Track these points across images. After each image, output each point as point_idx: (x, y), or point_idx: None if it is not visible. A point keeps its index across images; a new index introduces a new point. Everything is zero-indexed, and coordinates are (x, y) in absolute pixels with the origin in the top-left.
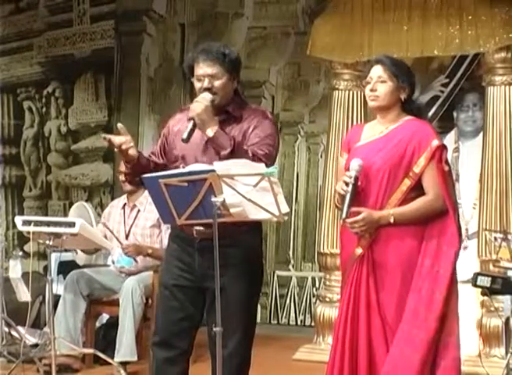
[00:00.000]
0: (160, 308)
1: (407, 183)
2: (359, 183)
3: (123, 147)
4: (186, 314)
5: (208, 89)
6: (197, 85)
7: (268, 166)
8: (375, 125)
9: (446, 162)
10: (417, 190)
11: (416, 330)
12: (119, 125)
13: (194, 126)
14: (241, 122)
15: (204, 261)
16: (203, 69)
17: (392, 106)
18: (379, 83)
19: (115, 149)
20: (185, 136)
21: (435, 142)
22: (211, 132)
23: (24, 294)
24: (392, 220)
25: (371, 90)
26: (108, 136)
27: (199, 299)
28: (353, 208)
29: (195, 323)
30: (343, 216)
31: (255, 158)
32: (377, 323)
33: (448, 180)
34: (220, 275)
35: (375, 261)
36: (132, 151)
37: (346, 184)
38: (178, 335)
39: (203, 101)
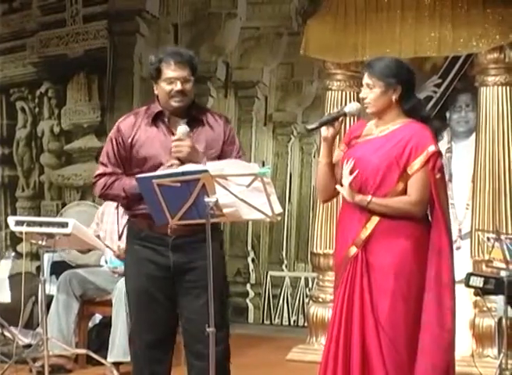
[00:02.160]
0: (139, 314)
1: (402, 184)
2: (340, 120)
3: None
4: (167, 314)
5: (180, 91)
6: (167, 88)
7: None
8: (376, 124)
9: (439, 169)
10: None
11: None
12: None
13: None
14: (205, 125)
15: (178, 257)
16: (176, 71)
17: (386, 109)
18: (368, 90)
19: None
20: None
21: (432, 148)
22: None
23: (6, 296)
24: (368, 198)
25: (362, 98)
26: None
27: (174, 296)
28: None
29: (175, 321)
30: (309, 126)
31: None
32: (370, 324)
33: (439, 187)
34: (197, 267)
35: (369, 261)
36: None
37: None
38: (163, 335)
39: (184, 138)
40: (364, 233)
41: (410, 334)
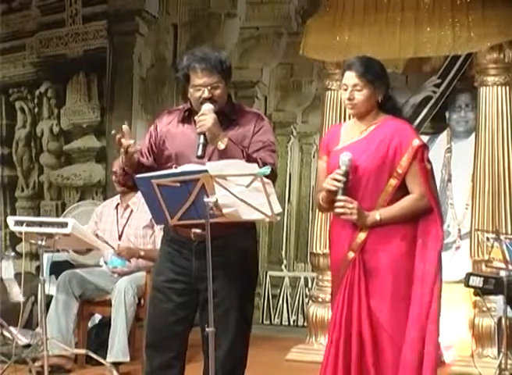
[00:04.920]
0: (153, 311)
1: (392, 183)
2: (350, 177)
3: (130, 150)
4: (179, 317)
5: (209, 98)
6: (196, 95)
7: (275, 172)
8: (353, 126)
9: (428, 160)
10: (403, 190)
11: (415, 332)
12: (125, 127)
13: (206, 140)
14: (237, 124)
15: (201, 263)
16: (202, 79)
17: (371, 110)
18: (356, 92)
19: (121, 149)
20: (200, 153)
21: (416, 142)
22: (222, 145)
23: (17, 295)
24: (378, 217)
25: (349, 99)
26: (119, 135)
27: (193, 301)
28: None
29: (188, 324)
30: (337, 197)
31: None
32: (367, 327)
33: (430, 178)
34: (216, 276)
35: (366, 265)
36: (136, 155)
37: (337, 180)
38: (172, 338)
39: (209, 113)
40: (360, 238)
41: None
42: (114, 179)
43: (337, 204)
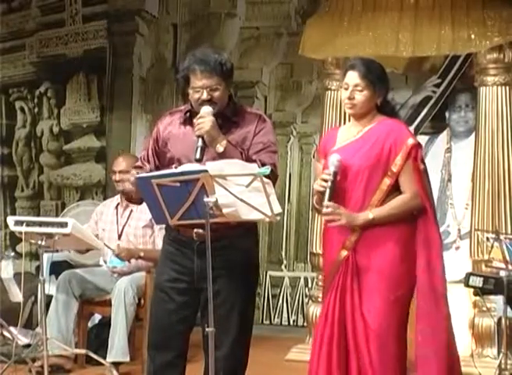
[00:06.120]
0: (155, 310)
1: (386, 182)
2: (338, 178)
3: None
4: (181, 316)
5: (208, 100)
6: (195, 96)
7: (275, 173)
8: (350, 127)
9: (422, 160)
10: (397, 190)
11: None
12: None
13: (204, 143)
14: (238, 126)
15: (203, 263)
16: (201, 81)
17: (369, 111)
18: (357, 92)
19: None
20: (198, 156)
21: (411, 141)
22: (221, 148)
23: (16, 295)
24: (371, 216)
25: (349, 98)
26: None
27: (195, 301)
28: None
29: (190, 324)
30: (324, 209)
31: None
32: (361, 328)
33: (424, 178)
34: (217, 276)
35: (359, 264)
36: None
37: (325, 181)
38: (175, 337)
39: (207, 116)
40: (354, 236)
41: (402, 337)
42: (114, 178)
43: (324, 211)
